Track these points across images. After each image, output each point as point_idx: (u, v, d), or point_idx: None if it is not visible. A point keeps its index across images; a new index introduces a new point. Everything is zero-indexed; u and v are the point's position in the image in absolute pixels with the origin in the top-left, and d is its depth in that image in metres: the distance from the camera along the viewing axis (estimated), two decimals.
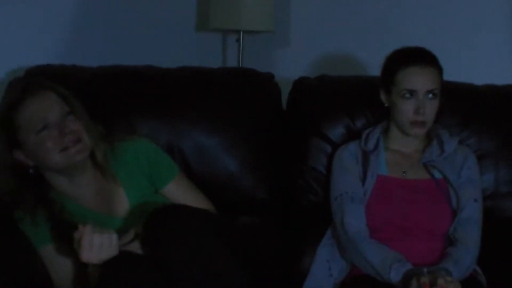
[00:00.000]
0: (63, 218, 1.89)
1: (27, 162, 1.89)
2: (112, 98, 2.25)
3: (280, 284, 2.11)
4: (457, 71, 2.26)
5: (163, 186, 2.01)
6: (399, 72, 2.06)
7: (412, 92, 2.04)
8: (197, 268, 1.70)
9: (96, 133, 1.93)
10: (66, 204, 1.92)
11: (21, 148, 1.87)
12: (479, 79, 2.41)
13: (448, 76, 2.13)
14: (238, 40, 3.00)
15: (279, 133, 2.34)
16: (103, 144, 1.96)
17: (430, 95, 2.04)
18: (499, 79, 2.44)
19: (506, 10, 2.79)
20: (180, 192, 2.02)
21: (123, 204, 1.96)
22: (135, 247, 1.81)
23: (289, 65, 2.88)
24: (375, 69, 2.25)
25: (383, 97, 2.14)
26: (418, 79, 2.04)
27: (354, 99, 2.33)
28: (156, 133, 2.20)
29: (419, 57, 2.07)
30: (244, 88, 2.34)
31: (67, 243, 1.83)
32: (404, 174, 2.12)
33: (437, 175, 2.11)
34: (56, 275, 1.91)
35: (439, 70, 2.08)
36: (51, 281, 1.90)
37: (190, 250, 1.71)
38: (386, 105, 2.14)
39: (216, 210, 2.06)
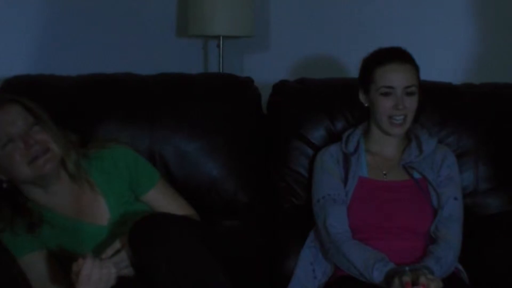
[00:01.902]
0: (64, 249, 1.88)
1: (0, 178, 1.88)
2: (92, 106, 2.25)
3: (264, 287, 2.11)
4: (433, 70, 2.27)
5: (144, 193, 2.01)
6: (376, 70, 2.08)
7: (390, 89, 2.06)
8: (183, 280, 1.70)
9: (65, 142, 1.92)
10: (44, 214, 1.92)
11: None
12: (456, 78, 2.43)
13: (425, 75, 2.14)
14: (218, 46, 3.01)
15: (260, 137, 2.35)
16: (76, 153, 1.95)
17: (408, 92, 2.05)
18: (477, 77, 2.46)
19: (479, 9, 2.82)
20: (161, 198, 2.02)
21: (103, 212, 1.95)
22: (122, 258, 1.80)
23: (270, 69, 2.88)
24: (354, 71, 2.26)
25: (362, 97, 2.15)
26: (395, 76, 2.06)
27: (333, 101, 2.34)
28: (137, 140, 2.20)
29: (395, 55, 2.09)
30: (224, 93, 2.35)
31: (59, 269, 1.83)
32: (385, 176, 2.13)
33: (417, 175, 2.12)
34: (36, 284, 1.90)
35: (416, 68, 2.10)
36: None
37: (174, 262, 1.70)
38: (366, 105, 2.15)
39: (198, 216, 2.06)
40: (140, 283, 1.77)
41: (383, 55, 2.10)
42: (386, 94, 2.06)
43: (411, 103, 2.07)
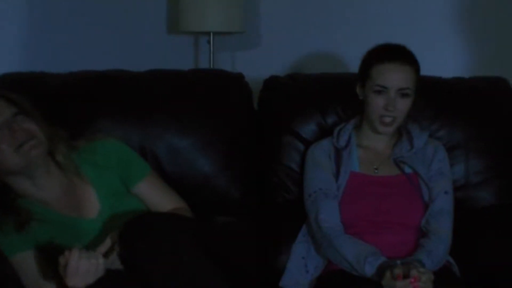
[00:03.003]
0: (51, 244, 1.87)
1: None
2: (83, 103, 2.24)
3: (256, 282, 2.12)
4: (423, 64, 2.28)
5: (134, 184, 2.00)
6: (374, 67, 2.07)
7: (384, 88, 2.05)
8: (175, 278, 1.70)
9: (52, 133, 1.91)
10: (34, 209, 1.90)
11: None
12: (446, 72, 2.44)
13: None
14: (209, 42, 3.01)
15: (251, 132, 2.35)
16: (66, 146, 1.95)
17: (402, 93, 2.05)
18: (465, 71, 2.48)
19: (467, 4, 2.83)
20: (152, 191, 2.01)
21: (94, 205, 1.94)
22: (114, 257, 1.79)
23: (261, 65, 2.88)
24: (345, 66, 2.27)
25: (358, 90, 2.14)
26: (391, 76, 2.05)
27: (325, 96, 2.35)
28: (128, 136, 2.19)
29: (396, 54, 2.07)
30: (215, 89, 2.34)
31: (50, 265, 1.82)
32: (376, 171, 2.14)
33: (408, 170, 2.13)
34: (28, 282, 1.89)
35: (416, 70, 2.08)
36: None
37: (168, 262, 1.70)
38: (360, 98, 2.14)
39: (189, 209, 2.06)
40: (129, 277, 1.76)
41: (384, 53, 2.09)
42: (379, 93, 2.06)
43: (403, 105, 2.06)
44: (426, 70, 2.18)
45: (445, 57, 2.83)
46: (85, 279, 1.71)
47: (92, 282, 1.72)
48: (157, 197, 2.01)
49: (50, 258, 1.85)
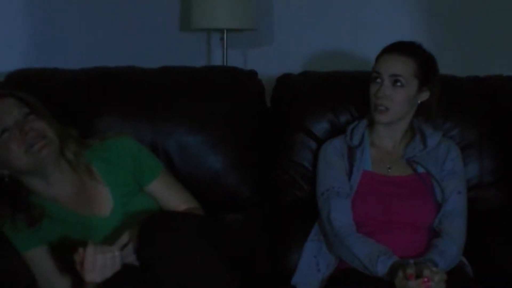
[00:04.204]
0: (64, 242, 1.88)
1: (1, 172, 1.88)
2: (95, 100, 2.24)
3: (267, 280, 2.11)
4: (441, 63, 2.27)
5: (148, 183, 2.00)
6: (377, 59, 2.12)
7: (377, 74, 2.07)
8: (188, 279, 1.70)
9: (63, 131, 1.92)
10: (46, 206, 1.91)
11: None
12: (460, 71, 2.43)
13: None
14: (221, 39, 3.00)
15: (263, 130, 2.34)
16: (77, 144, 1.95)
17: (395, 82, 2.05)
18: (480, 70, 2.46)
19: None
20: (165, 190, 2.01)
21: (106, 203, 1.94)
22: (129, 252, 1.80)
23: (273, 63, 2.88)
24: (357, 64, 2.26)
25: None
26: (384, 63, 2.08)
27: (337, 95, 2.34)
28: (140, 133, 2.19)
29: (397, 46, 2.10)
30: (228, 86, 2.34)
31: (64, 261, 1.83)
32: (389, 170, 2.13)
33: (420, 170, 2.12)
34: (41, 277, 1.91)
35: (417, 62, 2.08)
36: (35, 284, 1.91)
37: (180, 261, 1.70)
38: None
39: (201, 208, 2.05)
40: (143, 273, 1.76)
41: (390, 46, 2.12)
42: (374, 80, 2.08)
43: (395, 94, 2.06)
44: (440, 68, 2.17)
45: (457, 54, 2.81)
46: (103, 273, 1.71)
47: (110, 275, 1.72)
48: (169, 196, 2.01)
49: (64, 255, 1.85)
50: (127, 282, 1.74)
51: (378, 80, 2.08)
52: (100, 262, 1.71)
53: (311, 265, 2.13)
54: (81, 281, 1.74)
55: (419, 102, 2.13)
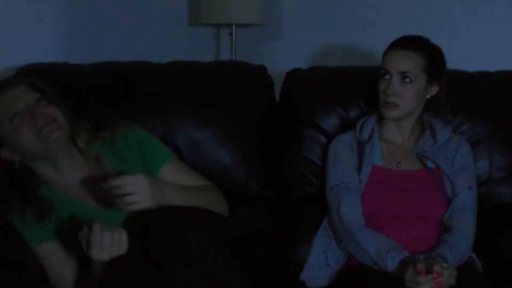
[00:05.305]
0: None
1: (13, 158, 1.89)
2: (105, 94, 2.25)
3: (276, 275, 2.11)
4: (451, 57, 2.26)
5: (157, 171, 1.99)
6: (384, 54, 2.12)
7: (385, 71, 2.07)
8: (195, 274, 1.70)
9: (74, 119, 1.93)
10: (55, 198, 1.91)
11: (4, 145, 1.88)
12: (472, 66, 2.42)
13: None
14: (230, 34, 3.00)
15: (272, 125, 2.34)
16: (88, 135, 1.96)
17: (404, 78, 2.05)
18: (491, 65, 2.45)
19: None
20: (176, 176, 2.00)
21: None
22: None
23: (282, 57, 2.88)
24: (367, 59, 2.26)
25: None
26: (392, 60, 2.07)
27: (347, 90, 2.33)
28: (149, 128, 2.19)
29: (404, 41, 2.10)
30: (237, 81, 2.34)
31: (70, 241, 1.83)
32: (399, 165, 2.13)
33: (431, 164, 2.11)
34: (52, 272, 1.92)
35: (425, 57, 2.08)
36: (46, 278, 1.91)
37: (188, 257, 1.70)
38: None
39: (217, 188, 2.06)
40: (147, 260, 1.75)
41: (396, 40, 2.11)
42: (382, 77, 2.08)
43: (404, 90, 2.06)
44: (451, 63, 2.17)
45: (469, 49, 2.80)
46: (109, 251, 1.72)
47: (116, 255, 1.72)
48: (180, 180, 1.99)
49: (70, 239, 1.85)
50: (133, 267, 1.73)
51: (387, 76, 2.08)
52: (106, 239, 1.71)
53: (320, 260, 2.12)
54: (89, 270, 1.75)
55: (428, 97, 2.13)
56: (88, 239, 1.72)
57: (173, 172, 2.00)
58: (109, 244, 1.71)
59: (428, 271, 1.83)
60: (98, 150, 1.97)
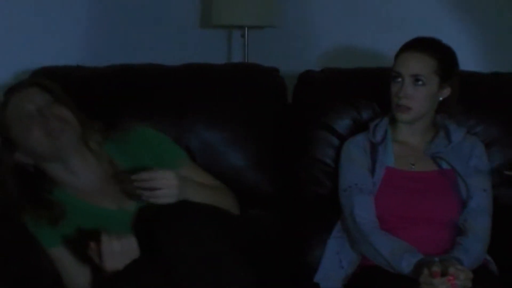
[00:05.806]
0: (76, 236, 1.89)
1: (27, 161, 1.91)
2: (117, 97, 2.25)
3: (289, 277, 2.11)
4: (465, 59, 2.25)
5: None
6: (396, 56, 2.11)
7: (398, 74, 2.06)
8: (199, 271, 1.70)
9: (86, 121, 1.94)
10: (69, 201, 1.92)
11: (18, 148, 1.89)
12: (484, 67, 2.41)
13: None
14: (243, 36, 3.00)
15: (285, 126, 2.34)
16: (100, 136, 1.97)
17: (416, 81, 2.04)
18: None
19: None
20: (189, 175, 1.98)
21: None
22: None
23: (295, 59, 2.87)
24: (380, 61, 2.25)
25: None
26: (404, 63, 2.06)
27: (359, 91, 2.33)
28: (162, 130, 2.17)
29: (416, 44, 2.09)
30: (249, 83, 2.34)
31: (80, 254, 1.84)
32: (413, 167, 2.12)
33: (445, 166, 2.10)
34: (66, 275, 1.92)
35: (437, 59, 2.07)
36: (60, 280, 1.91)
37: (192, 253, 1.70)
38: None
39: (229, 190, 2.06)
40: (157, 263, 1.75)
41: (408, 43, 2.10)
42: (394, 79, 2.07)
43: (417, 93, 2.05)
44: (464, 64, 2.16)
45: (481, 50, 2.79)
46: (122, 259, 1.72)
47: (129, 262, 1.73)
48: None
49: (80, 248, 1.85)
50: (144, 271, 1.73)
51: (399, 79, 2.07)
52: (117, 248, 1.71)
53: (334, 262, 2.12)
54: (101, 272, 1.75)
55: (441, 99, 2.12)
56: (99, 252, 1.72)
57: (187, 173, 2.00)
58: (120, 252, 1.72)
59: (443, 274, 1.82)
60: (110, 151, 1.98)
